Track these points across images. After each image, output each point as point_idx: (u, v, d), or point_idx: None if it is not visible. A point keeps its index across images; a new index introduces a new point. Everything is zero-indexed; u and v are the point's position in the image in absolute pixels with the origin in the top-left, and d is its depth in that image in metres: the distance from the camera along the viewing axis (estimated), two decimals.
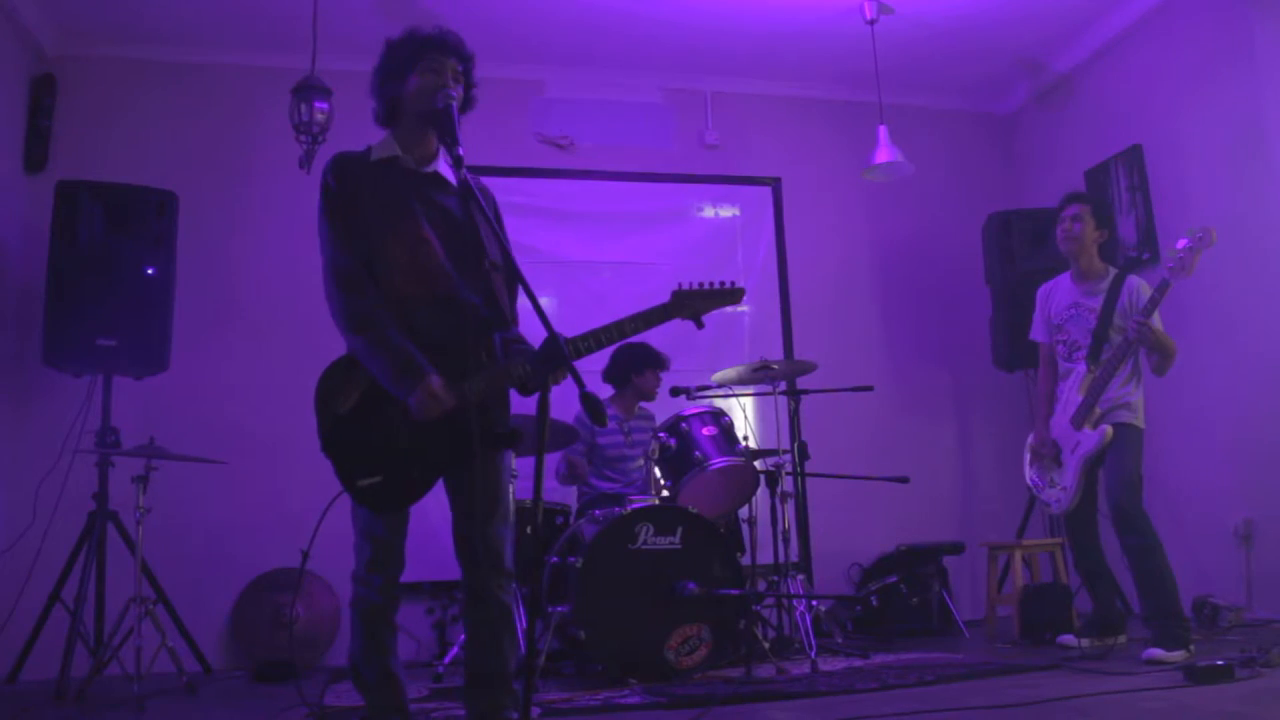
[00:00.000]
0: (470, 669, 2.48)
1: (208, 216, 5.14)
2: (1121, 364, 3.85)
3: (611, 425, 4.70)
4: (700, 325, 2.52)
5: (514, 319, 2.52)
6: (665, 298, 2.51)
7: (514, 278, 2.45)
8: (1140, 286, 3.91)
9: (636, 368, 4.73)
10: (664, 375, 4.79)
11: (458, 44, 2.49)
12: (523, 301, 2.34)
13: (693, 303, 2.51)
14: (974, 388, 6.06)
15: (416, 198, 2.44)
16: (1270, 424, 4.51)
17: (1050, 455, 4.03)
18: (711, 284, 2.54)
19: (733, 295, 2.55)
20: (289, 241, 5.15)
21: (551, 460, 4.68)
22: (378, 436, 2.36)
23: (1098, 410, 3.87)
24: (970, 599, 5.54)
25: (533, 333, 2.37)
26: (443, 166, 2.50)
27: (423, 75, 2.42)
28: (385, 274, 2.37)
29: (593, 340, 2.38)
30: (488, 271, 2.39)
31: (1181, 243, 3.71)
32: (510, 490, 2.57)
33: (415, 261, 2.38)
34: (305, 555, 2.78)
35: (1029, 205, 5.76)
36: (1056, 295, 4.15)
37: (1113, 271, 4.04)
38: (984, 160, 6.45)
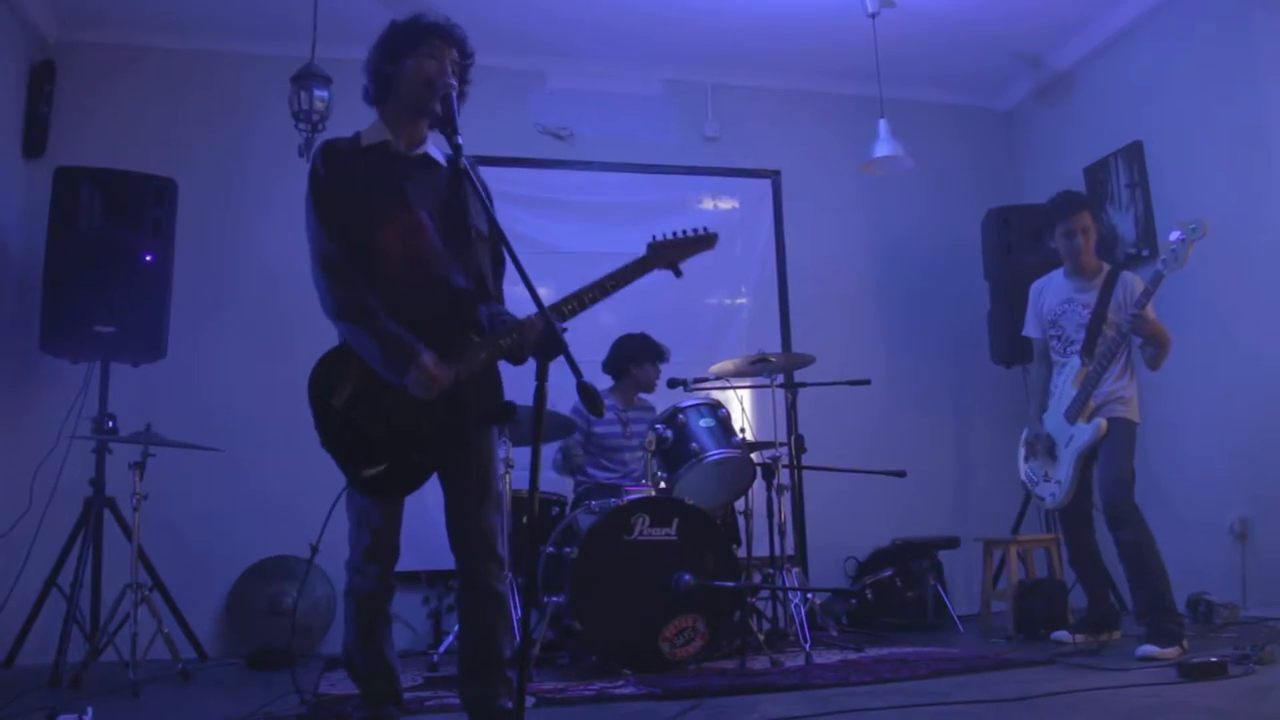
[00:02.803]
0: (464, 657, 2.48)
1: (206, 204, 5.13)
2: (1115, 358, 3.85)
3: (609, 416, 4.69)
4: (678, 274, 2.57)
5: (499, 295, 2.54)
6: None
7: (500, 255, 2.50)
8: (1134, 281, 3.91)
9: (635, 359, 4.73)
10: (662, 367, 4.79)
11: (462, 38, 2.50)
12: (519, 288, 2.33)
13: (668, 252, 2.57)
14: (971, 382, 6.06)
15: (408, 181, 2.44)
16: (1267, 422, 4.52)
17: (1044, 449, 4.04)
18: (685, 232, 2.60)
19: (705, 241, 2.61)
20: (288, 230, 5.06)
21: (549, 450, 4.68)
22: (375, 425, 2.35)
23: (1092, 404, 3.87)
24: (965, 594, 5.54)
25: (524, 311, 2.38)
26: (431, 148, 2.51)
27: (422, 59, 2.42)
28: (377, 260, 2.36)
29: (575, 302, 2.42)
30: (474, 244, 2.40)
31: (1175, 235, 3.72)
32: (506, 478, 2.58)
33: (407, 247, 2.38)
34: (314, 549, 2.74)
35: (1028, 201, 5.75)
36: (1050, 291, 4.15)
37: (1106, 267, 4.04)
38: (984, 155, 6.43)
